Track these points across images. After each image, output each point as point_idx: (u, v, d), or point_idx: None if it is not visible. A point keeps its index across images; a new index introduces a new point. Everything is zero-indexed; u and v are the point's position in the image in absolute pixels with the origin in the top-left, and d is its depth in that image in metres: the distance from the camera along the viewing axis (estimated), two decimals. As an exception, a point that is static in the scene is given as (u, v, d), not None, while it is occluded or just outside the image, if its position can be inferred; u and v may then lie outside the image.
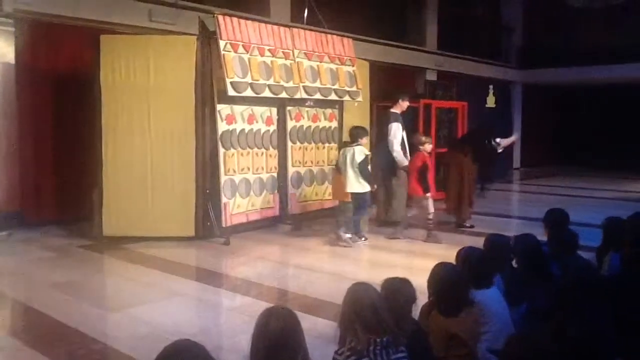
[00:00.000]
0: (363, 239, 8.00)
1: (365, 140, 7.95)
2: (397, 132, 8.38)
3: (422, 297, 3.33)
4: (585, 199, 11.75)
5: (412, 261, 7.02)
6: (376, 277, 3.27)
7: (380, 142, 8.90)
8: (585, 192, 12.52)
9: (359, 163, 7.61)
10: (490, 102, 17.94)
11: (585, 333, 2.44)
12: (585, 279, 3.19)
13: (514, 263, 4.18)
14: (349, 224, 7.96)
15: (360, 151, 7.68)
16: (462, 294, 3.16)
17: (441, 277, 3.20)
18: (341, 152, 7.97)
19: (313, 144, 9.42)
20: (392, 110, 8.61)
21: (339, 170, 8.07)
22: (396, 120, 8.44)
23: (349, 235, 7.82)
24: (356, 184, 7.67)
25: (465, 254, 3.60)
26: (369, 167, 7.83)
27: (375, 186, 8.06)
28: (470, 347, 3.08)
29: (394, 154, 8.37)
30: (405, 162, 8.33)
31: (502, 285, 3.63)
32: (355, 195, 7.80)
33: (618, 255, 4.16)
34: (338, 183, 8.18)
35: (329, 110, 9.70)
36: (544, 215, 5.10)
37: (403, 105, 8.64)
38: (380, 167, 8.78)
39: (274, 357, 2.30)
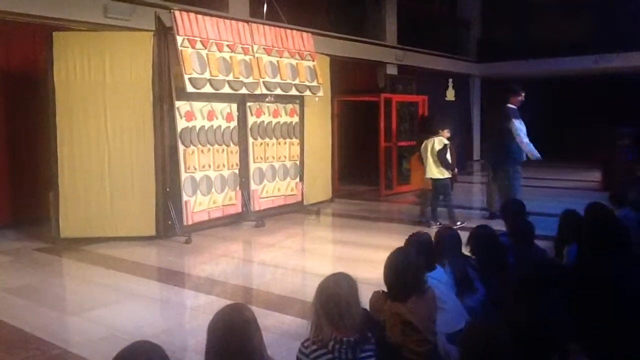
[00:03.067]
0: (459, 223, 8.18)
1: (446, 132, 8.56)
2: (520, 127, 8.38)
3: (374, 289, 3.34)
4: (544, 189, 11.99)
5: (378, 255, 7.04)
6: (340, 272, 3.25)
7: (489, 138, 8.93)
8: (543, 182, 12.77)
9: (438, 152, 8.29)
10: (450, 95, 18.15)
11: (536, 320, 2.47)
12: (539, 268, 3.25)
13: (467, 252, 4.25)
14: (451, 213, 8.47)
15: (440, 141, 8.36)
16: (413, 280, 3.17)
17: (393, 263, 3.21)
18: (424, 144, 8.59)
19: (274, 140, 9.37)
20: (509, 105, 8.58)
21: (420, 160, 8.82)
22: (516, 117, 8.46)
23: (459, 222, 8.19)
24: (436, 171, 8.38)
25: (414, 239, 3.73)
26: (448, 155, 8.39)
27: (456, 170, 8.65)
28: (424, 332, 3.11)
29: (523, 147, 8.32)
30: (536, 153, 8.31)
31: (450, 274, 3.72)
32: (435, 181, 8.43)
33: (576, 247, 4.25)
34: (417, 172, 8.92)
35: (289, 106, 9.66)
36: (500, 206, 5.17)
37: (518, 99, 8.67)
38: (490, 162, 8.95)
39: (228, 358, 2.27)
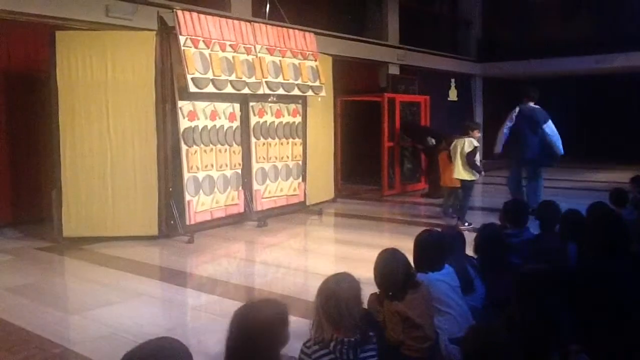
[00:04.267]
0: (467, 224, 8.36)
1: (477, 133, 8.63)
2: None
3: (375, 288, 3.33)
4: (546, 189, 11.95)
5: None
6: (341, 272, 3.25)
7: (522, 137, 9.01)
8: (545, 183, 12.74)
9: (467, 153, 8.38)
10: (453, 95, 18.14)
11: (536, 320, 2.47)
12: (542, 268, 3.24)
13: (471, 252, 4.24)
14: (462, 211, 8.67)
15: (470, 143, 8.44)
16: (404, 278, 3.17)
17: (381, 265, 3.23)
18: (454, 143, 8.66)
19: (277, 140, 9.36)
20: (536, 105, 8.89)
21: (449, 158, 8.92)
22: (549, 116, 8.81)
23: (467, 223, 8.38)
24: (464, 172, 8.49)
25: (417, 237, 3.70)
26: (477, 157, 8.55)
27: (483, 173, 8.78)
28: (424, 328, 3.11)
29: (558, 145, 8.73)
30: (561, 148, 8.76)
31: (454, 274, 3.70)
32: (462, 182, 8.58)
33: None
34: (447, 170, 9.04)
35: (292, 106, 9.65)
36: (503, 207, 5.15)
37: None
38: (526, 160, 9.05)
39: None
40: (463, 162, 8.44)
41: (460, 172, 8.50)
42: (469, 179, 8.51)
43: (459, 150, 8.47)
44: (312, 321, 2.69)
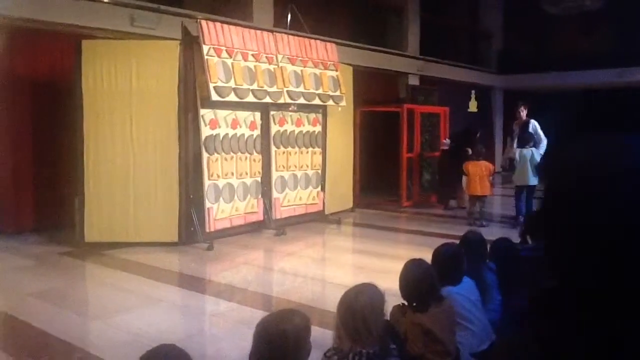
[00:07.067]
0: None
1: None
2: None
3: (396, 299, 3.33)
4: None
5: (398, 266, 7.01)
6: (361, 282, 3.25)
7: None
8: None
9: (538, 163, 9.21)
10: (473, 106, 18.08)
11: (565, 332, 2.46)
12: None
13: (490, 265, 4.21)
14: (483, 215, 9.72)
15: (537, 152, 9.35)
16: (429, 289, 3.17)
17: (407, 275, 3.22)
18: (519, 153, 9.43)
19: (297, 149, 9.41)
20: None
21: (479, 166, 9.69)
22: None
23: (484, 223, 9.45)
24: (533, 178, 9.28)
25: (435, 251, 3.66)
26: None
27: None
28: (445, 343, 3.10)
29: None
30: None
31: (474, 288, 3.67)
32: (531, 187, 9.37)
33: None
34: (482, 179, 9.66)
35: (312, 115, 9.71)
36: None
37: None
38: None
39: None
40: (533, 170, 9.19)
41: (531, 178, 9.25)
42: (536, 184, 9.29)
43: (529, 158, 9.22)
44: (334, 331, 2.71)
